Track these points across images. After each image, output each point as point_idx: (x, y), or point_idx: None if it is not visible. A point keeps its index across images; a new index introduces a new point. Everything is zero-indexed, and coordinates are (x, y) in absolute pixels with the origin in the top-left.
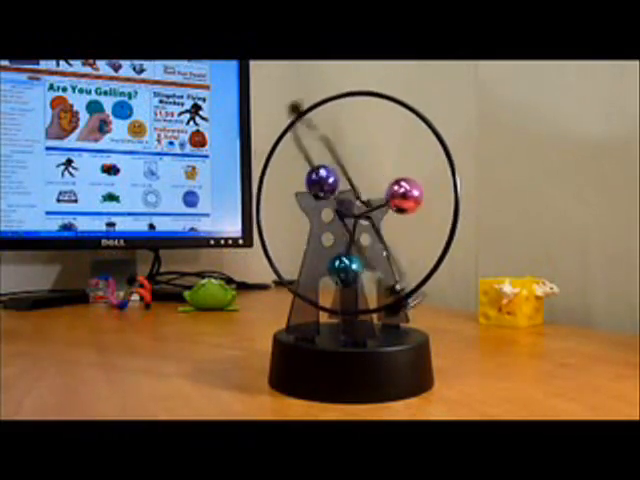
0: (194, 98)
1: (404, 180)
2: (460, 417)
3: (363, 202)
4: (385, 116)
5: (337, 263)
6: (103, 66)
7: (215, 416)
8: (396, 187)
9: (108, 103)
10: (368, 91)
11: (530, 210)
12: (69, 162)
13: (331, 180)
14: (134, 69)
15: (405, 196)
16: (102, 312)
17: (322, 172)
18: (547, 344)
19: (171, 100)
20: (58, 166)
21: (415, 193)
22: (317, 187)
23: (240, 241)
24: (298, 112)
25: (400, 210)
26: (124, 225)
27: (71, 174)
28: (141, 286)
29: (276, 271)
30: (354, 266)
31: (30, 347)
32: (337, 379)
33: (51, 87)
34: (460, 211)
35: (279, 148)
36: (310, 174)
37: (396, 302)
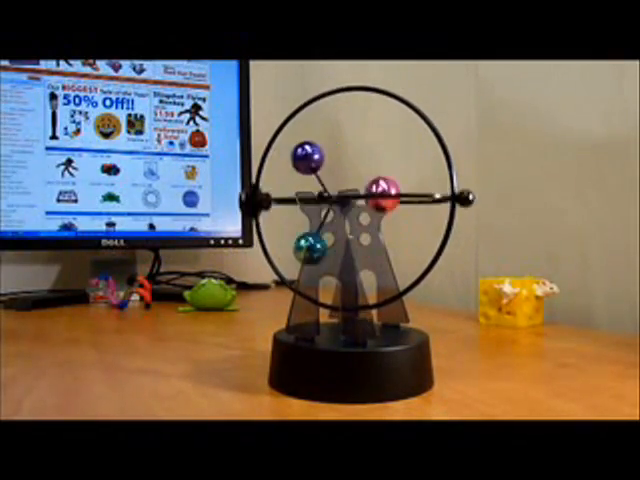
0: (194, 98)
1: (382, 179)
2: (460, 417)
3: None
4: (385, 116)
5: (302, 242)
6: (103, 66)
7: (215, 416)
8: (374, 187)
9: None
10: (365, 86)
11: (530, 210)
12: (69, 162)
13: (317, 156)
14: (134, 69)
15: (383, 195)
16: (102, 312)
17: (307, 148)
18: (547, 344)
19: (171, 100)
20: (58, 166)
21: (393, 191)
22: (304, 163)
23: (240, 241)
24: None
25: (379, 208)
26: (124, 225)
27: (71, 174)
28: (141, 286)
29: (275, 269)
30: (318, 245)
31: (30, 347)
32: (337, 379)
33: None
34: (457, 208)
35: (279, 148)
36: (296, 149)
37: (391, 299)
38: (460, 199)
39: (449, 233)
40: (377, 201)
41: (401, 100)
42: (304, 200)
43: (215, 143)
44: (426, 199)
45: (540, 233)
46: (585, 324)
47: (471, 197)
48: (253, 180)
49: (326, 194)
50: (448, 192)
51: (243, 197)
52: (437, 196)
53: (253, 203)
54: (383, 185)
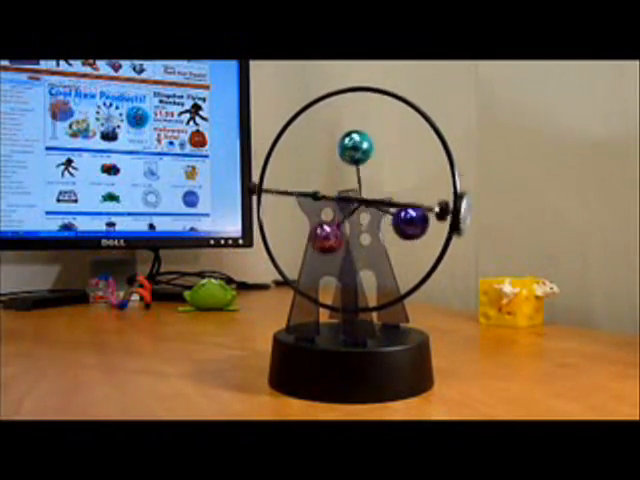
0: (194, 98)
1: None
2: (460, 417)
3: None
4: (386, 116)
5: (347, 140)
6: (103, 66)
7: (215, 416)
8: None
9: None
10: (366, 87)
11: (530, 210)
12: (69, 162)
13: (365, 145)
14: (134, 69)
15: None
16: (102, 312)
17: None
18: (547, 344)
19: (171, 100)
20: (58, 166)
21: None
22: (350, 152)
23: (240, 241)
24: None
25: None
26: (124, 225)
27: (71, 174)
28: (141, 286)
29: (278, 269)
30: (365, 145)
31: (30, 347)
32: (337, 379)
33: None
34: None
35: (279, 147)
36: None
37: (392, 302)
38: (454, 223)
39: (448, 243)
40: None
41: (402, 100)
42: (302, 195)
43: (215, 143)
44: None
45: (540, 233)
46: (585, 324)
47: (462, 226)
48: (255, 178)
49: (352, 193)
50: (449, 192)
51: (251, 185)
52: (436, 210)
53: (260, 188)
54: (411, 213)
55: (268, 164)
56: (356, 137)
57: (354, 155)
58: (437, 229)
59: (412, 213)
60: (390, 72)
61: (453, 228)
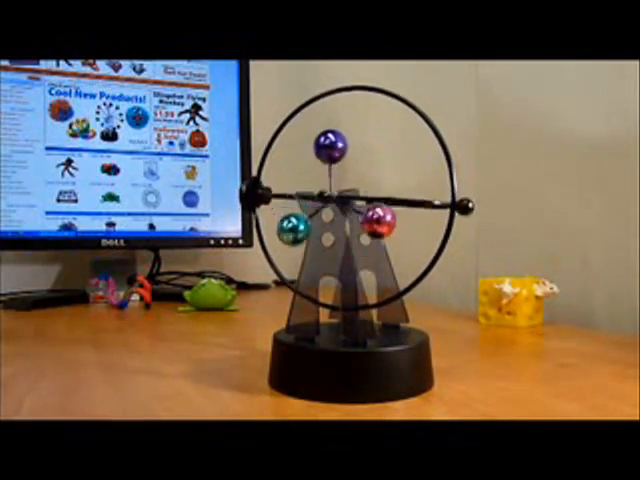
0: (194, 98)
1: (378, 207)
2: (460, 417)
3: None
4: (385, 116)
5: (285, 223)
6: (103, 66)
7: (215, 416)
8: (370, 212)
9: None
10: (365, 86)
11: (530, 210)
12: (69, 162)
13: (340, 145)
14: (134, 69)
15: (379, 221)
16: (102, 312)
17: (331, 136)
18: (547, 344)
19: (171, 100)
20: (58, 166)
21: (388, 217)
22: (327, 151)
23: (240, 241)
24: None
25: (376, 235)
26: (124, 225)
27: (71, 174)
28: (141, 286)
29: (275, 268)
30: (301, 226)
31: (30, 347)
32: (337, 379)
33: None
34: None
35: (278, 147)
36: (319, 137)
37: (392, 299)
38: (460, 207)
39: (448, 235)
40: (373, 227)
41: (402, 100)
42: (303, 197)
43: (215, 143)
44: (425, 206)
45: (540, 233)
46: (585, 324)
47: (471, 205)
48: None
49: (326, 194)
50: (448, 193)
51: (244, 189)
52: (436, 203)
53: (253, 196)
54: (379, 212)
55: (264, 165)
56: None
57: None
58: (437, 228)
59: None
60: (390, 72)
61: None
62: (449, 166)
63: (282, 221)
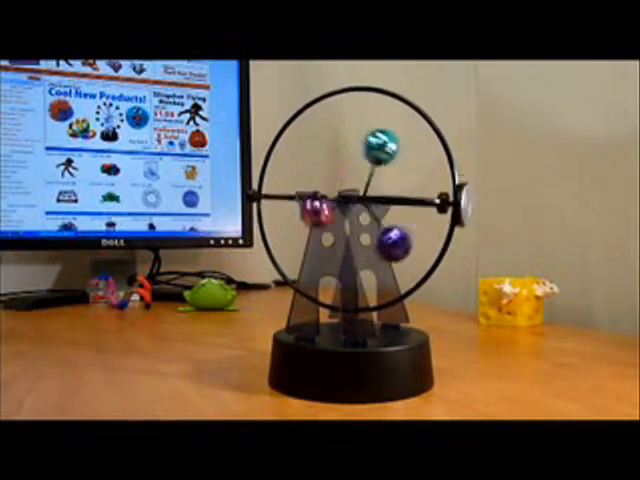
0: (194, 98)
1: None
2: (460, 417)
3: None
4: (386, 116)
5: (374, 140)
6: (103, 66)
7: (215, 416)
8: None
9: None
10: (366, 86)
11: (530, 210)
12: (69, 162)
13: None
14: (134, 69)
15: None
16: (102, 312)
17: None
18: (547, 344)
19: (171, 100)
20: (58, 166)
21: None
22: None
23: (240, 241)
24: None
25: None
26: (124, 225)
27: (71, 174)
28: (141, 286)
29: (278, 269)
30: (391, 145)
31: (30, 347)
32: (337, 379)
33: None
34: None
35: (278, 147)
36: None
37: (392, 302)
38: (455, 214)
39: (450, 237)
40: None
41: (402, 100)
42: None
43: (215, 143)
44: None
45: (540, 233)
46: (585, 324)
47: (464, 215)
48: (255, 178)
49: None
50: (449, 190)
51: (251, 191)
52: (437, 201)
53: (259, 194)
54: (393, 237)
55: (267, 166)
56: (383, 137)
57: (378, 155)
58: (437, 228)
59: (393, 236)
60: (390, 72)
61: (455, 220)
62: (450, 166)
63: (369, 137)
